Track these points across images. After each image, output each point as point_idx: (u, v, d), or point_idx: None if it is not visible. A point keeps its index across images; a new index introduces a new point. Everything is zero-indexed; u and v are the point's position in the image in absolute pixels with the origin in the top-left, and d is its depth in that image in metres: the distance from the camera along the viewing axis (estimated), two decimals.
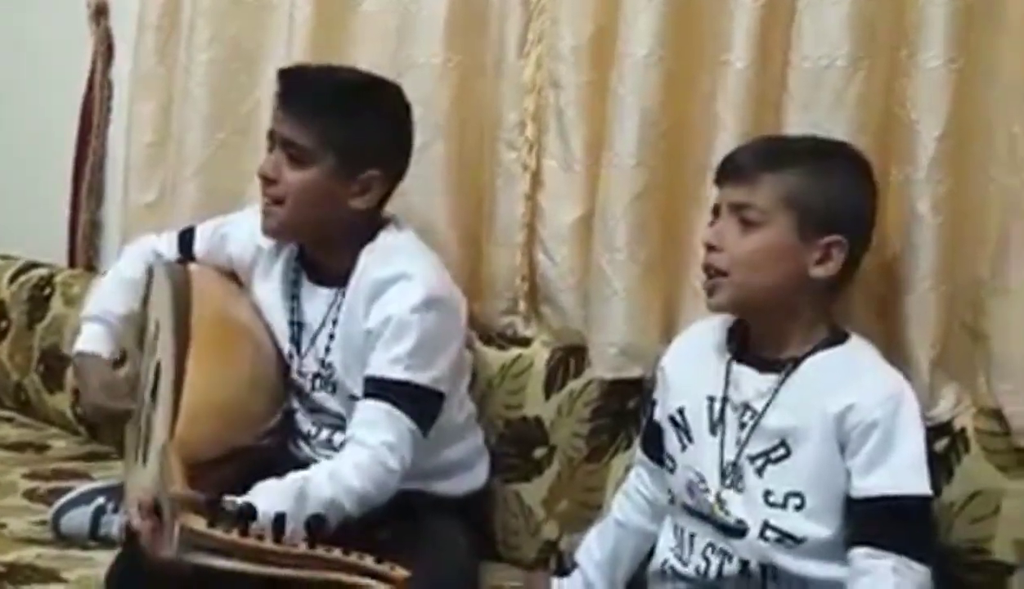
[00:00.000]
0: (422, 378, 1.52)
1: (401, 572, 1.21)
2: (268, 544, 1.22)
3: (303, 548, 1.22)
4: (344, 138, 1.56)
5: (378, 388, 1.51)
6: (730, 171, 1.37)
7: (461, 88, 1.79)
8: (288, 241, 1.65)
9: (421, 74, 1.76)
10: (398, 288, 1.54)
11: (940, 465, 1.38)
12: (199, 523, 1.24)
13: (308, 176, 1.57)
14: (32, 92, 2.54)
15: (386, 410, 1.49)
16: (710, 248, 1.35)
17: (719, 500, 1.35)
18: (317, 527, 1.24)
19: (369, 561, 1.21)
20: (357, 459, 1.47)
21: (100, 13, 2.39)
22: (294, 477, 1.42)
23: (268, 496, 1.35)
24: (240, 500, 1.29)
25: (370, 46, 1.84)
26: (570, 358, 1.71)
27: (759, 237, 1.32)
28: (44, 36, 2.52)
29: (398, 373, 1.51)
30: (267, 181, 1.59)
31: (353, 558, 1.21)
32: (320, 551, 1.22)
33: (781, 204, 1.31)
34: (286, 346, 1.66)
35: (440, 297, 1.56)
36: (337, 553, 1.21)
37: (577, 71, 1.68)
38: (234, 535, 1.22)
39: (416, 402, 1.51)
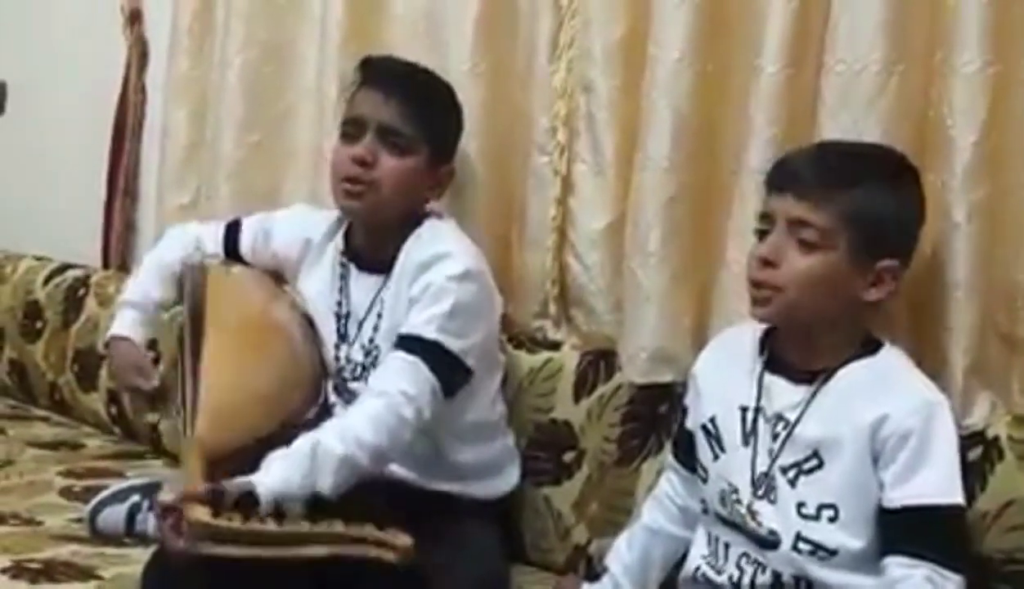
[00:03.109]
0: (453, 344, 1.53)
1: (404, 539, 1.21)
2: (271, 527, 1.22)
3: (306, 527, 1.23)
4: (438, 132, 1.63)
5: (408, 343, 1.52)
6: (789, 182, 1.31)
7: (492, 92, 1.79)
8: (369, 223, 1.65)
9: (452, 78, 1.76)
10: (439, 264, 1.56)
11: (974, 474, 1.36)
12: (204, 514, 1.24)
13: (408, 164, 1.60)
14: (67, 96, 2.56)
15: (411, 361, 1.50)
16: (766, 262, 1.31)
17: (751, 511, 1.35)
18: (317, 501, 1.24)
19: (370, 530, 1.22)
20: (371, 411, 1.47)
21: (134, 19, 2.41)
22: (303, 440, 1.41)
23: (279, 466, 1.35)
24: (243, 479, 1.30)
25: (402, 50, 1.84)
26: (600, 362, 1.71)
27: (818, 260, 1.28)
28: (79, 42, 2.53)
29: (430, 333, 1.52)
30: (363, 164, 1.59)
31: (354, 530, 1.21)
32: (322, 527, 1.22)
33: (842, 226, 1.28)
34: (332, 336, 1.67)
35: (479, 272, 1.59)
36: (339, 527, 1.22)
37: (608, 75, 1.67)
38: (236, 522, 1.23)
39: (443, 364, 1.52)
